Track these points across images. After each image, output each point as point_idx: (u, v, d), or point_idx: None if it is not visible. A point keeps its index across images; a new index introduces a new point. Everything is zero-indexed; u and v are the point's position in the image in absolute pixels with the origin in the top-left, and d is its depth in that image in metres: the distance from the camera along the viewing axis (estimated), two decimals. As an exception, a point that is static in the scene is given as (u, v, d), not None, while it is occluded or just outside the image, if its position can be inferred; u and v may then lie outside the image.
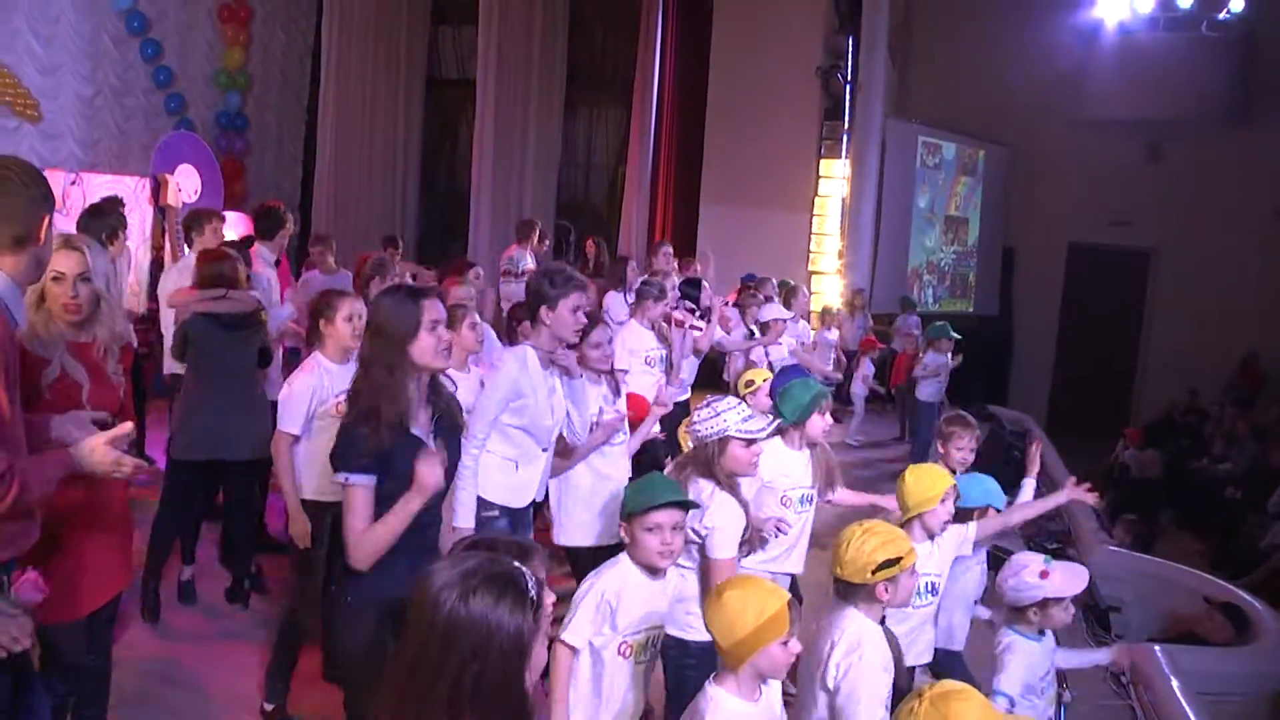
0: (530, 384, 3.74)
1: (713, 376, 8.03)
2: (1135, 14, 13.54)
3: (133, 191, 10.29)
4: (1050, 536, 7.36)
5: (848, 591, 2.82)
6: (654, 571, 2.91)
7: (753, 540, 3.38)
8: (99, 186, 10.11)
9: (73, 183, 10.12)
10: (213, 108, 13.57)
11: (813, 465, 4.00)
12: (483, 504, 3.78)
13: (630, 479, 4.32)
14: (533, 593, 1.66)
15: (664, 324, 6.12)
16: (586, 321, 3.87)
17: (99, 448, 2.44)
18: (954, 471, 4.30)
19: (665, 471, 3.58)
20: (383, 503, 2.70)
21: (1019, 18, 13.48)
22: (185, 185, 10.68)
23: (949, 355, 9.03)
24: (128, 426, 2.55)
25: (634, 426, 4.46)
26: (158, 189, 10.08)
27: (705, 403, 3.40)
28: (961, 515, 3.79)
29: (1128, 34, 13.67)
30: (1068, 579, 3.23)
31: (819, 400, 3.93)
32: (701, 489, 3.30)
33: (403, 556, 2.70)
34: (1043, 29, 13.57)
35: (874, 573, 2.75)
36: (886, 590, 2.78)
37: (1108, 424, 13.18)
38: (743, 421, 3.30)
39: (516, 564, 1.72)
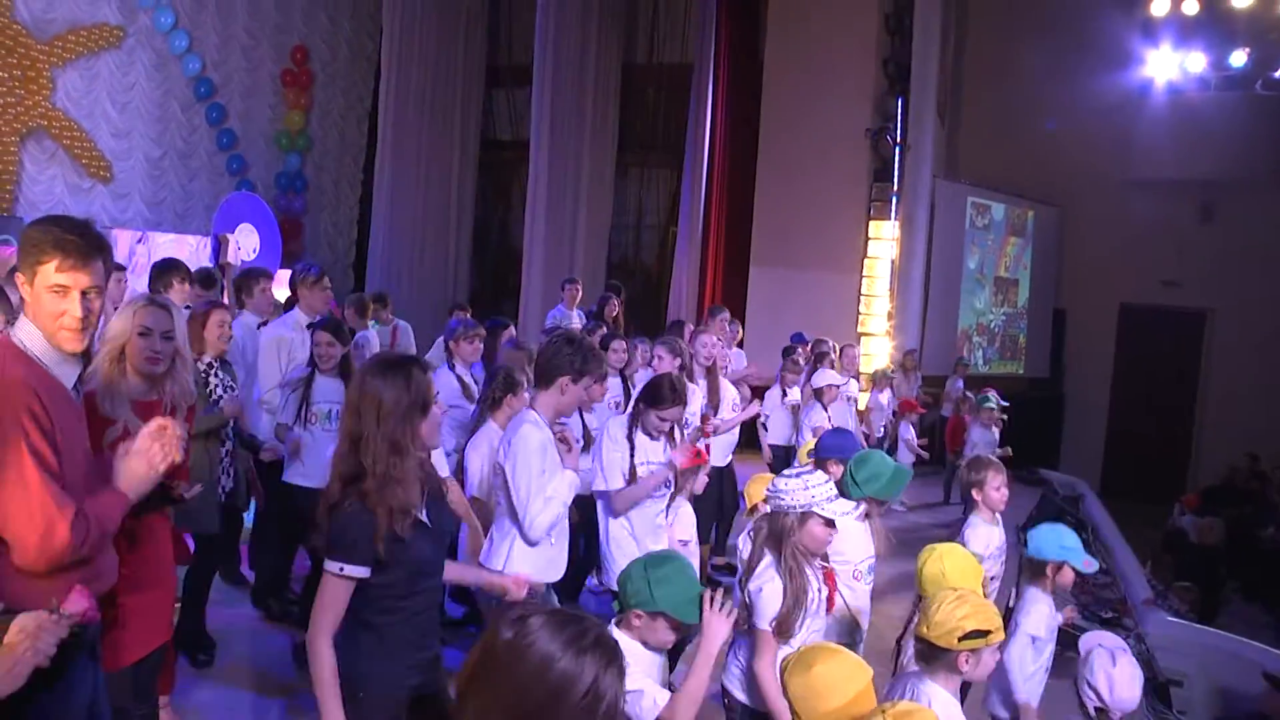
0: (551, 461, 3.67)
1: (751, 439, 8.08)
2: (1186, 73, 13.50)
3: (194, 250, 10.60)
4: (1104, 605, 7.22)
5: (930, 655, 2.79)
6: (659, 650, 2.82)
7: (784, 625, 3.21)
8: (163, 245, 10.43)
9: (139, 240, 10.45)
10: (273, 169, 13.94)
11: (871, 534, 3.94)
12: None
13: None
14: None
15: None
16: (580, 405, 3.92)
17: (130, 456, 2.50)
18: (994, 512, 4.29)
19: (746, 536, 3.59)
20: (383, 589, 2.61)
21: (1068, 78, 13.49)
22: (245, 244, 10.95)
23: (996, 430, 8.95)
24: (159, 422, 2.56)
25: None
26: (219, 247, 10.35)
27: (795, 472, 3.30)
28: (1034, 569, 3.71)
29: (1179, 93, 13.63)
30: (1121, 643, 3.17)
31: (903, 483, 3.88)
32: (762, 560, 3.26)
33: (406, 647, 2.68)
34: (1092, 89, 13.57)
35: (960, 640, 2.72)
36: (967, 661, 2.75)
37: (1163, 489, 12.93)
38: (829, 501, 3.21)
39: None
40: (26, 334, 2.40)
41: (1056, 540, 3.69)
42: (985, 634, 2.74)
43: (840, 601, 3.70)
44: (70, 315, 2.37)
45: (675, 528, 4.55)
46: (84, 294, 2.38)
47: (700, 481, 4.77)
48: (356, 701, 2.60)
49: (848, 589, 3.75)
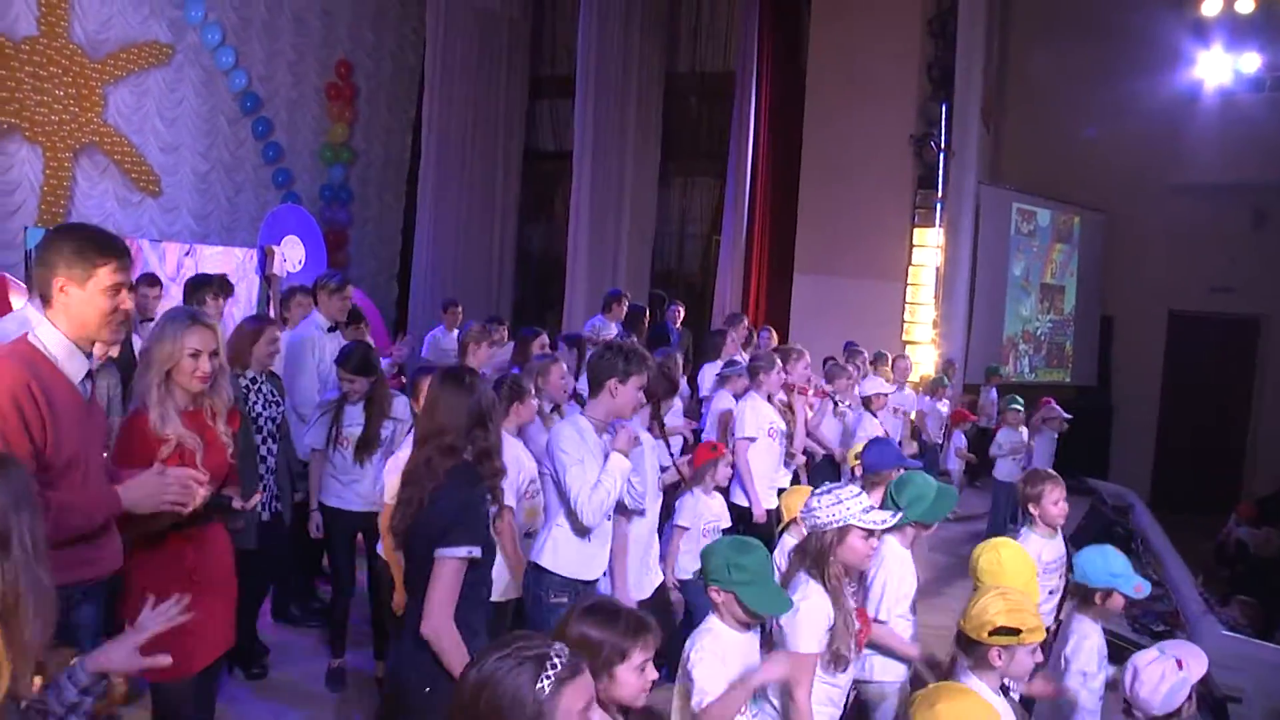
0: (589, 450, 3.80)
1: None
2: (1238, 74, 13.25)
3: (240, 262, 10.74)
4: (1156, 617, 7.08)
5: (966, 646, 2.84)
6: (747, 626, 2.96)
7: (838, 657, 3.18)
8: (210, 258, 10.58)
9: (187, 254, 10.60)
10: (318, 181, 14.09)
11: (914, 562, 3.85)
12: (553, 587, 3.80)
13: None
14: (553, 671, 1.70)
15: (784, 396, 6.11)
16: (646, 401, 4.03)
17: (151, 475, 2.68)
18: (1054, 529, 4.21)
19: (783, 562, 3.58)
20: (472, 570, 2.82)
21: (1115, 81, 13.30)
22: (291, 255, 11.07)
23: (1024, 431, 8.82)
24: (197, 477, 2.79)
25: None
26: (264, 259, 10.48)
27: (827, 489, 3.24)
28: (1082, 594, 3.52)
29: (1230, 95, 13.38)
30: (1194, 658, 2.95)
31: (949, 504, 3.79)
32: (799, 579, 3.22)
33: (478, 631, 2.82)
34: (1140, 92, 13.36)
35: (990, 634, 2.76)
36: (1000, 657, 2.77)
37: (1216, 499, 12.67)
38: (865, 512, 3.15)
39: (556, 645, 1.78)
40: (46, 334, 2.62)
41: (1104, 566, 3.50)
42: (1016, 632, 2.76)
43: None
44: (122, 310, 2.67)
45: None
46: (129, 290, 2.73)
47: (723, 473, 4.79)
48: (423, 696, 2.73)
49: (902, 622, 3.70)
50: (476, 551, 2.76)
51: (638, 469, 4.01)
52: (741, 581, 2.86)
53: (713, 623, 2.96)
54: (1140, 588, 3.49)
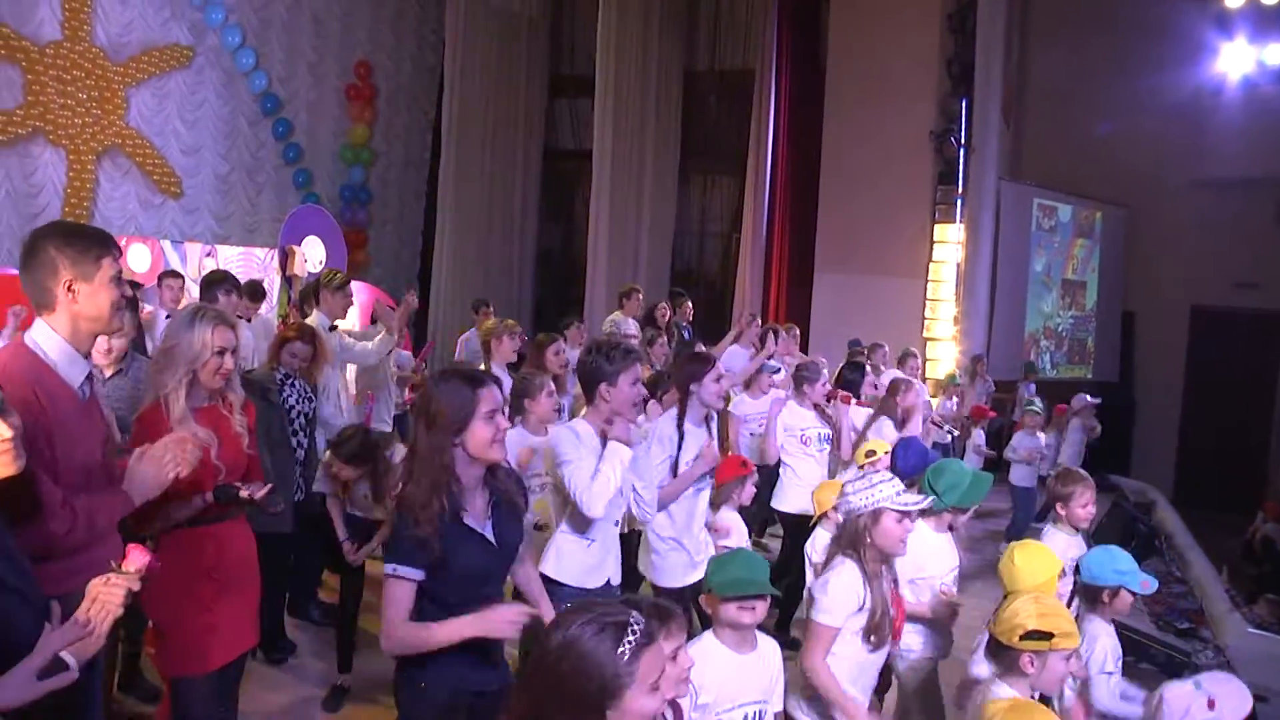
0: (589, 452, 3.64)
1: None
2: (1263, 66, 13.10)
3: (262, 262, 10.81)
4: (1180, 615, 7.04)
5: (997, 653, 2.81)
6: (742, 645, 2.89)
7: (879, 633, 3.20)
8: (231, 258, 10.65)
9: (208, 254, 10.68)
10: (338, 181, 14.15)
11: (955, 544, 3.93)
12: (564, 600, 3.60)
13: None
14: (633, 637, 1.74)
15: (825, 403, 6.09)
16: (646, 393, 3.88)
17: (143, 460, 2.65)
18: (1078, 530, 4.18)
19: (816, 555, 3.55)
20: (431, 600, 2.65)
21: (1137, 74, 13.18)
22: (311, 255, 11.12)
23: (1042, 437, 8.72)
24: (180, 434, 2.75)
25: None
26: (285, 259, 10.54)
27: (861, 474, 3.35)
28: (1090, 595, 3.51)
29: (1254, 87, 13.23)
30: (1234, 698, 2.76)
31: (984, 488, 3.82)
32: (837, 560, 3.26)
33: (465, 650, 2.65)
34: (1162, 85, 13.23)
35: (1020, 639, 2.71)
36: (1032, 663, 2.73)
37: (1240, 496, 12.53)
38: (898, 495, 3.21)
39: (633, 613, 1.81)
40: (43, 336, 2.59)
41: (1110, 564, 3.49)
42: (1048, 636, 2.70)
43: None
44: (122, 297, 2.68)
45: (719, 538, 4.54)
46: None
47: (748, 492, 4.74)
48: (419, 690, 2.70)
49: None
50: (405, 571, 2.59)
51: (641, 474, 3.84)
52: (719, 580, 2.87)
53: (705, 637, 2.92)
54: (1146, 584, 3.47)
